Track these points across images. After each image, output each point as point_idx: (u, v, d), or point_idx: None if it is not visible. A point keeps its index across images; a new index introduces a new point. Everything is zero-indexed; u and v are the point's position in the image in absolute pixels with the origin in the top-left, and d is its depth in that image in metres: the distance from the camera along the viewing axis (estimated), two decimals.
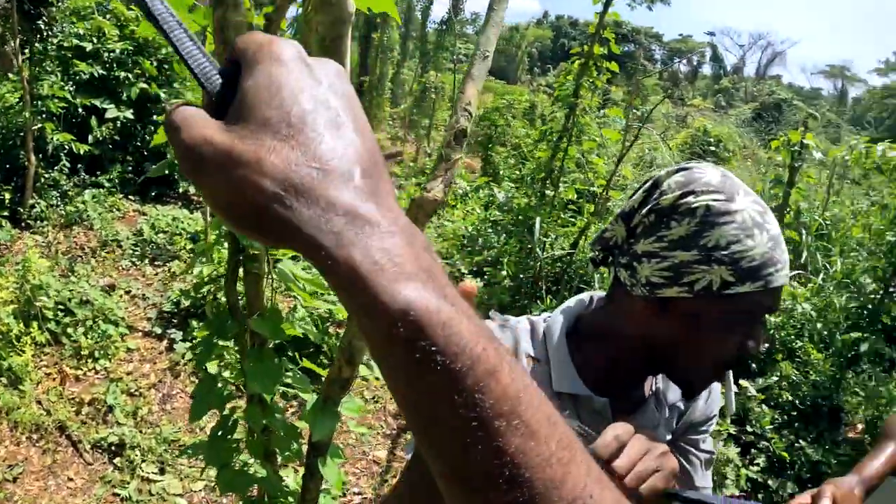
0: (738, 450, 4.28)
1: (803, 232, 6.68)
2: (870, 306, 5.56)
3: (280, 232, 0.35)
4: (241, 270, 1.60)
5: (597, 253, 1.01)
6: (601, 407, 0.97)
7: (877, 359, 5.44)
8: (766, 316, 0.91)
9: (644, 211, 0.90)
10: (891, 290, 5.50)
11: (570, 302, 1.08)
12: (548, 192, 5.22)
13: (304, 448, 1.74)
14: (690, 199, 0.85)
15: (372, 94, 12.98)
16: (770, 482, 4.12)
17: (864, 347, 5.20)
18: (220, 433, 1.71)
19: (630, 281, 0.91)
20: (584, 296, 1.09)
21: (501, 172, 6.77)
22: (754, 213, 0.84)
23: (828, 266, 6.69)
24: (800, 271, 6.36)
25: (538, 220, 5.03)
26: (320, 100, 0.37)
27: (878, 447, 1.56)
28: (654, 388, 1.06)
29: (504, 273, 4.92)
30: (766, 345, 4.69)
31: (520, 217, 5.27)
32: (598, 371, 0.99)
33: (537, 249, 4.90)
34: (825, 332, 5.47)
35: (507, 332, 1.02)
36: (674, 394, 1.07)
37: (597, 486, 0.35)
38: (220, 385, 1.68)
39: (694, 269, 0.84)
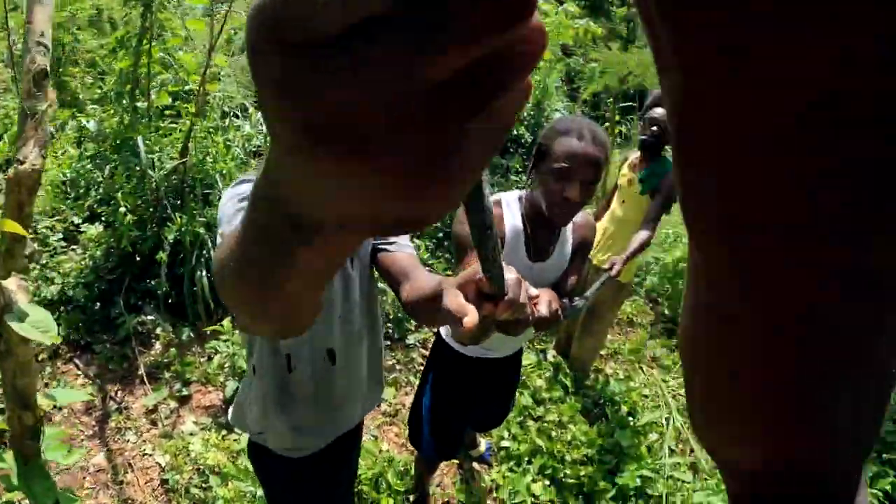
0: None
1: None
2: None
3: None
4: None
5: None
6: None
7: (496, 169, 6.27)
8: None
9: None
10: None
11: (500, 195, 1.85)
12: (139, 104, 4.59)
13: None
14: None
15: None
16: None
17: None
18: None
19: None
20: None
21: (81, 97, 5.78)
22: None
23: None
24: None
25: (140, 138, 4.45)
26: None
27: (461, 265, 1.88)
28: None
29: (122, 209, 4.26)
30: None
31: (118, 141, 4.60)
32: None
33: (148, 170, 4.36)
34: None
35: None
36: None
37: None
38: None
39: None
